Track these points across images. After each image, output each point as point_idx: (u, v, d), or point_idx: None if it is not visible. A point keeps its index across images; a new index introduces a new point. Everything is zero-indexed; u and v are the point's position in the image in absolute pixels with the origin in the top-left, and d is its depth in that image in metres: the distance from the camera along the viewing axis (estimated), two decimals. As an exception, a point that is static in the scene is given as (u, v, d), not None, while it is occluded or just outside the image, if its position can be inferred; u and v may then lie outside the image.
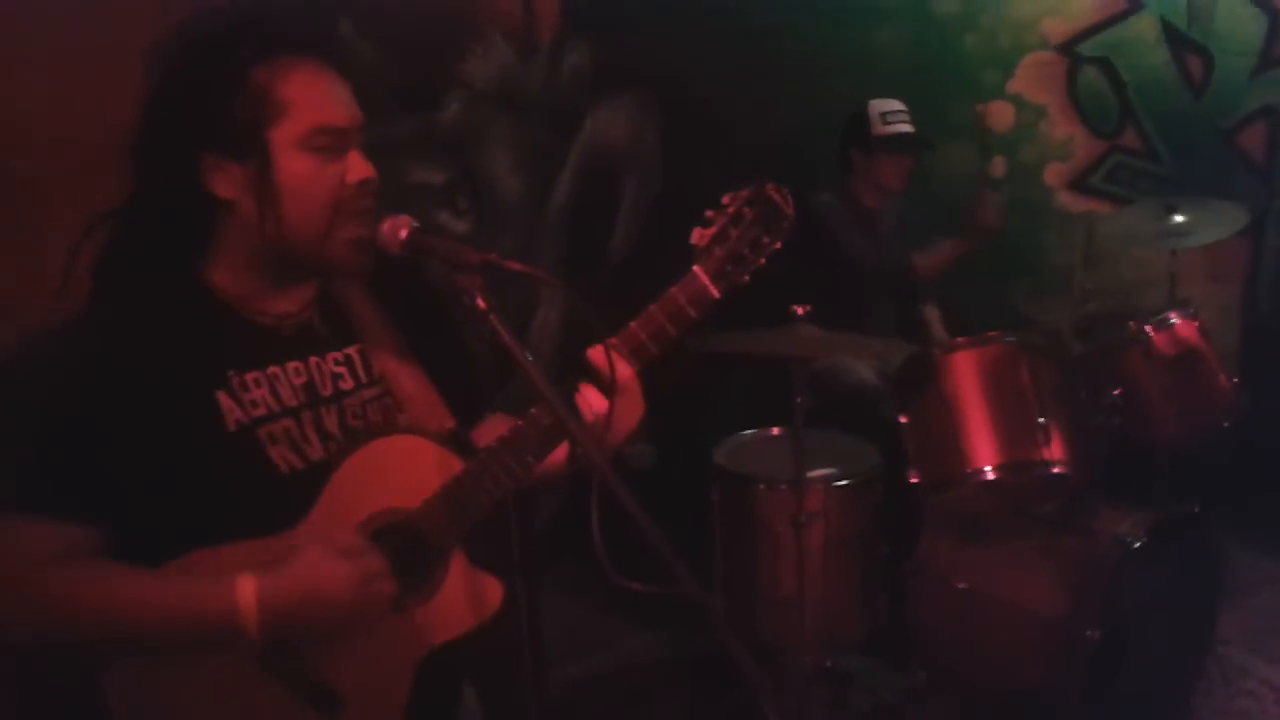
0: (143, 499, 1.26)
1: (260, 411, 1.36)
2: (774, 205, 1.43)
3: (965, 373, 2.78)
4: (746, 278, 1.46)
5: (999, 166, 4.22)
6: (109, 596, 1.26)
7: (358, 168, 1.35)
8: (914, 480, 2.83)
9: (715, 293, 1.44)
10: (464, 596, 1.45)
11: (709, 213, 1.45)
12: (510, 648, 2.29)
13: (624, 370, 1.42)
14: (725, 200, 1.45)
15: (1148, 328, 3.02)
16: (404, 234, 1.35)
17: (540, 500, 3.21)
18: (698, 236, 1.45)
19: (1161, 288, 3.71)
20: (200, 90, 1.29)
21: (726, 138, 3.75)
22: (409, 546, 1.40)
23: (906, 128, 3.57)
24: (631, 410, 1.47)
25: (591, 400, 1.42)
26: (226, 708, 1.32)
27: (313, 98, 1.32)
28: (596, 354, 1.41)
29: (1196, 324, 3.09)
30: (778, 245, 1.45)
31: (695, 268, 1.44)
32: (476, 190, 3.39)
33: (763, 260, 1.45)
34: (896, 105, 3.59)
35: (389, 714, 1.40)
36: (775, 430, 3.19)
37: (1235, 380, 3.13)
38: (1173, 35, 4.38)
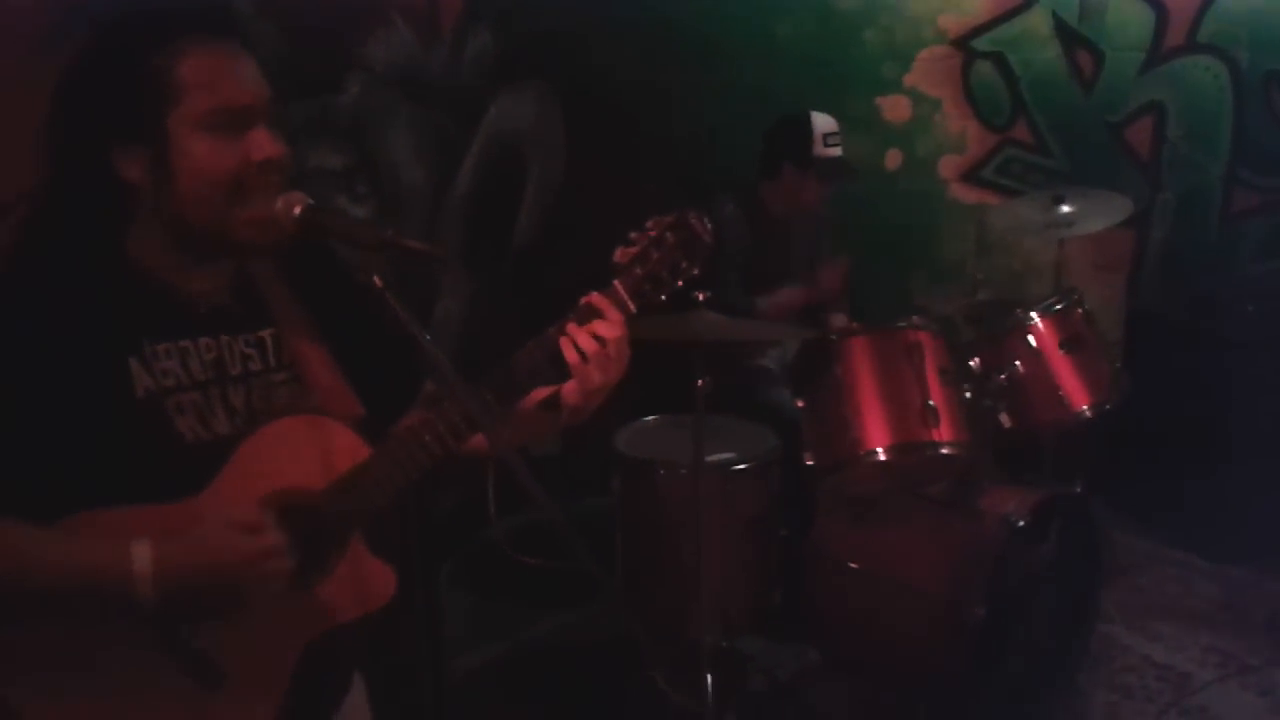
0: (49, 456, 1.27)
1: (169, 383, 1.36)
2: (694, 233, 1.48)
3: (859, 357, 2.82)
4: (664, 297, 1.50)
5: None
6: (10, 547, 1.26)
7: (262, 146, 1.34)
8: (810, 463, 2.87)
9: (632, 308, 1.48)
10: (355, 583, 1.44)
11: (633, 234, 1.50)
12: (408, 639, 2.28)
13: None
14: (649, 224, 1.50)
15: (1033, 314, 3.11)
16: (298, 210, 1.35)
17: (440, 489, 3.20)
18: (620, 255, 1.49)
19: (1050, 277, 3.83)
20: (102, 79, 1.31)
21: (630, 127, 3.76)
22: (307, 528, 1.39)
23: (840, 152, 3.52)
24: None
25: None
26: (105, 672, 1.30)
27: (209, 79, 1.31)
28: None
29: (1080, 311, 3.19)
30: (695, 272, 1.50)
31: (615, 282, 1.48)
32: (376, 176, 3.35)
33: (680, 283, 1.50)
34: (835, 127, 3.51)
35: (269, 694, 1.39)
36: (676, 416, 3.22)
37: (1117, 366, 3.24)
38: (1064, 31, 4.51)
